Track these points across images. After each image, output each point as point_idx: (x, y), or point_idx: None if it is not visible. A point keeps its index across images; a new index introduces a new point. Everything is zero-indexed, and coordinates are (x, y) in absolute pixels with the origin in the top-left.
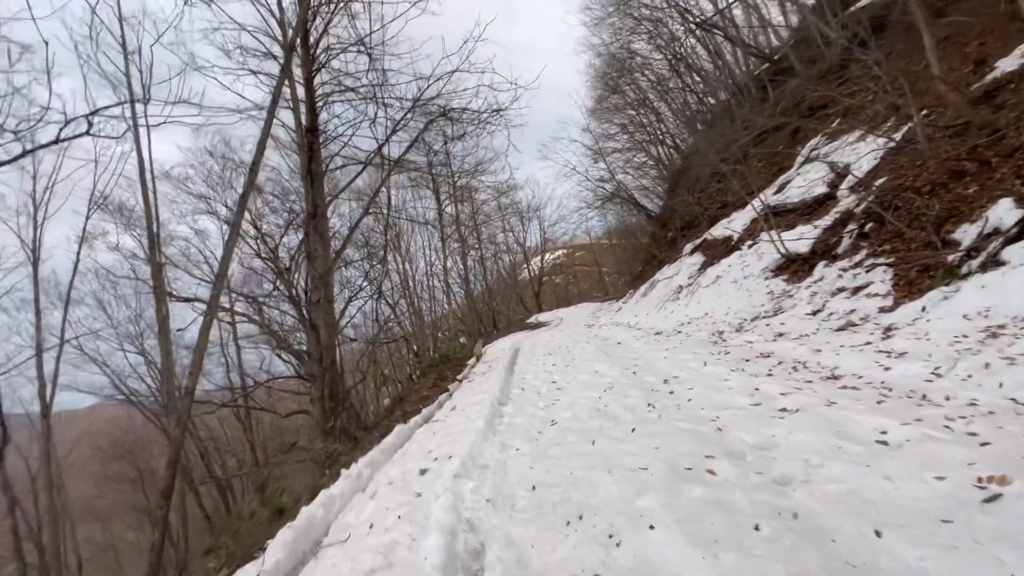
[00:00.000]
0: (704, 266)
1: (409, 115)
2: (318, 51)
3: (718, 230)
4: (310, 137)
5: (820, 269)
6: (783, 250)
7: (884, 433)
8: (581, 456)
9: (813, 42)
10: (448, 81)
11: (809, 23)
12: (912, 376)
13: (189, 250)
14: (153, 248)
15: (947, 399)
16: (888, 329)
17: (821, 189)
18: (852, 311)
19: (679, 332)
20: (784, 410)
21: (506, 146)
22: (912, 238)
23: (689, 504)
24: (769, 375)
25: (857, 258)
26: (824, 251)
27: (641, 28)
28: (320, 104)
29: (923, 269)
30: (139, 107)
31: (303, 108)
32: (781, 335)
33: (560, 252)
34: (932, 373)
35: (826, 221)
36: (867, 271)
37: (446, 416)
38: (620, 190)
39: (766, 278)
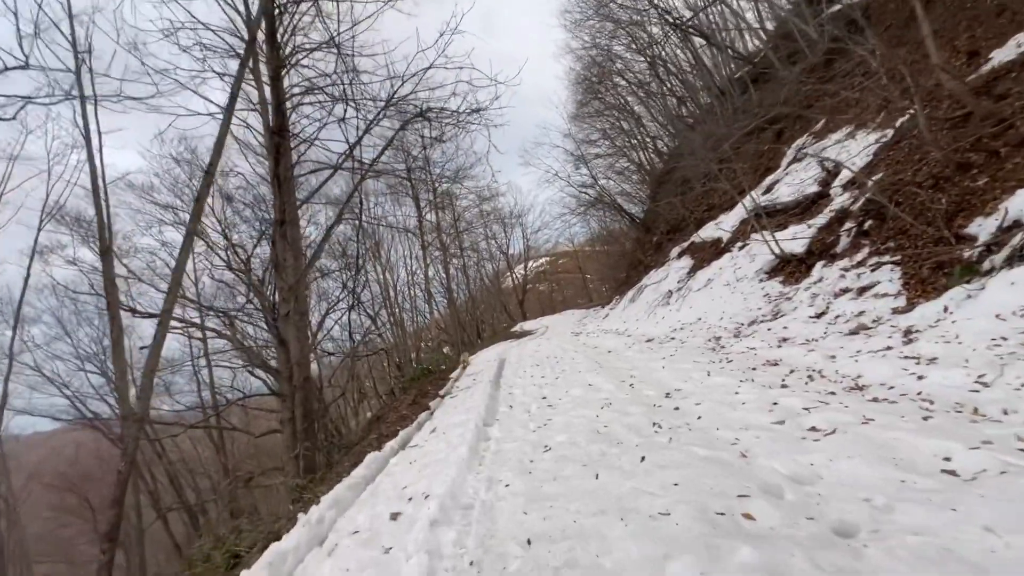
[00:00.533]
0: (693, 270)
1: (382, 115)
2: (286, 50)
3: (706, 232)
4: (277, 138)
5: (819, 270)
6: (777, 251)
7: (948, 460)
8: (585, 495)
9: (794, 42)
10: (423, 77)
11: (790, 23)
12: (954, 386)
13: (155, 263)
14: (106, 259)
15: (1005, 413)
16: (908, 332)
17: (812, 188)
18: (861, 313)
19: (672, 339)
20: (815, 430)
21: (487, 148)
22: (919, 234)
23: (737, 573)
24: (784, 386)
25: (859, 257)
26: (822, 251)
27: (621, 32)
28: (290, 107)
29: (937, 266)
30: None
31: (271, 108)
32: (786, 340)
33: (543, 260)
34: (977, 382)
35: (820, 220)
36: (872, 270)
37: (425, 440)
38: (603, 195)
39: (760, 280)
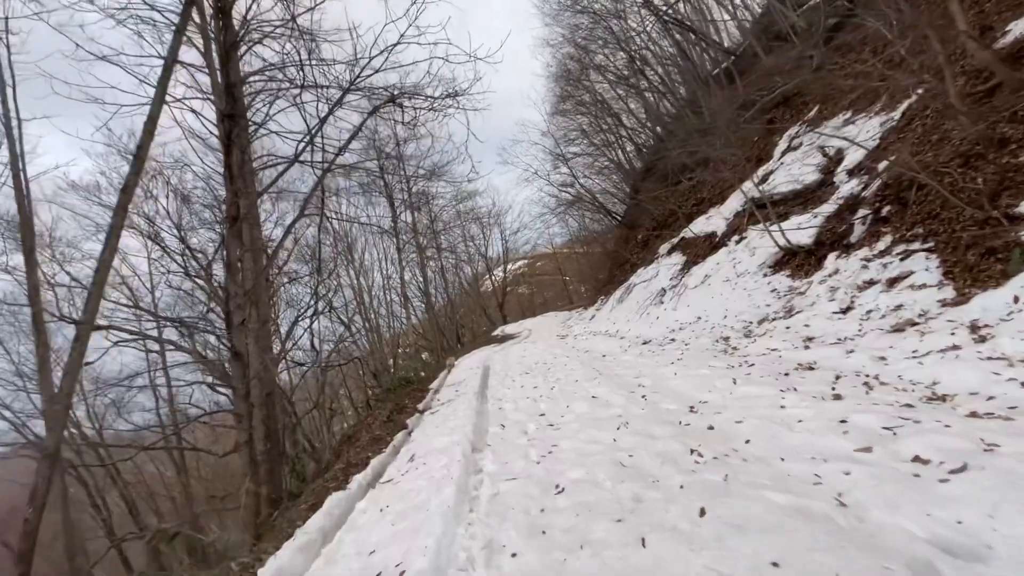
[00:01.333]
0: (687, 266)
1: (345, 97)
2: (241, 31)
3: (698, 226)
4: (228, 124)
5: (832, 261)
6: (783, 242)
7: None
8: None
9: (777, 34)
10: (392, 52)
11: (773, 11)
12: None
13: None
14: (29, 260)
15: None
16: (975, 327)
17: (813, 176)
18: (899, 307)
19: (673, 340)
20: (921, 461)
21: (466, 137)
22: (953, 217)
23: None
24: (838, 397)
25: (880, 246)
26: (833, 241)
27: (600, 24)
28: (248, 95)
29: (987, 251)
30: None
31: (222, 90)
32: (812, 339)
33: (521, 262)
34: None
35: (828, 208)
36: (901, 259)
37: (401, 473)
38: (583, 193)
39: (764, 275)
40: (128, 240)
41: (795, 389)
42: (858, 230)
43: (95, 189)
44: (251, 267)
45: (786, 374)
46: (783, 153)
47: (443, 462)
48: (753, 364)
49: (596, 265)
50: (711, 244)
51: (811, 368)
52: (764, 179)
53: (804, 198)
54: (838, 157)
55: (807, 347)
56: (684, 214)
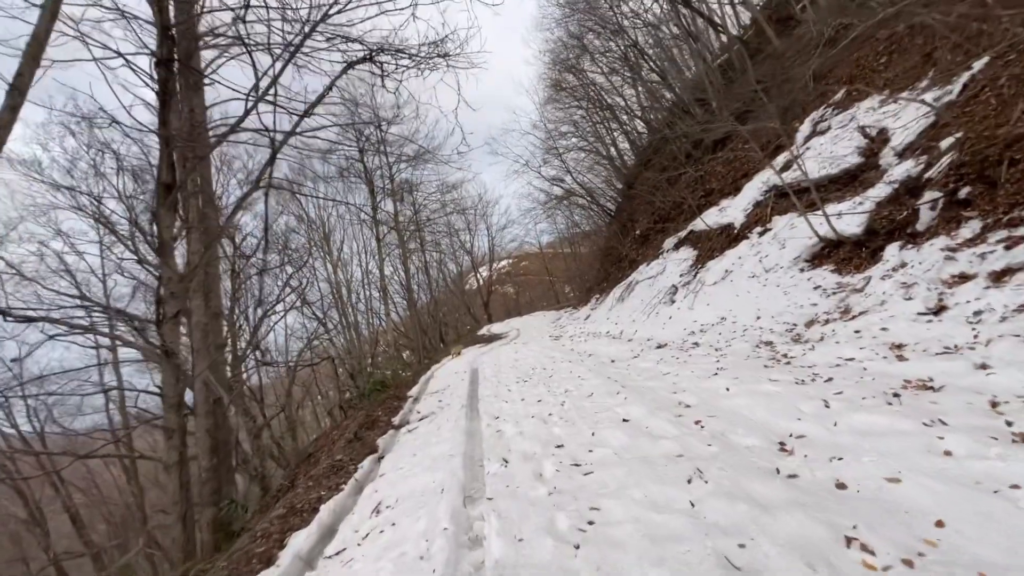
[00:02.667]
0: (700, 261)
1: (316, 51)
2: None
3: (711, 218)
4: (164, 72)
5: (895, 253)
6: (824, 232)
7: None
8: None
9: (787, 20)
10: None
11: None
12: None
13: (46, 254)
14: None
15: None
16: None
17: (853, 159)
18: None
19: (696, 344)
20: None
21: (456, 102)
22: None
23: None
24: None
25: (965, 233)
26: (892, 229)
27: (596, 10)
28: (205, 53)
29: None
30: None
31: (157, 32)
32: (901, 347)
33: (505, 262)
34: None
35: (877, 193)
36: (1006, 247)
37: (359, 540)
38: (575, 188)
39: (802, 270)
40: (75, 223)
41: (943, 422)
42: (926, 216)
43: (34, 164)
44: (198, 250)
45: (896, 395)
46: (807, 139)
47: (421, 525)
48: (831, 379)
49: (586, 263)
50: (728, 237)
51: (930, 387)
52: (787, 166)
53: (841, 184)
54: (883, 137)
55: (900, 357)
56: (693, 205)
